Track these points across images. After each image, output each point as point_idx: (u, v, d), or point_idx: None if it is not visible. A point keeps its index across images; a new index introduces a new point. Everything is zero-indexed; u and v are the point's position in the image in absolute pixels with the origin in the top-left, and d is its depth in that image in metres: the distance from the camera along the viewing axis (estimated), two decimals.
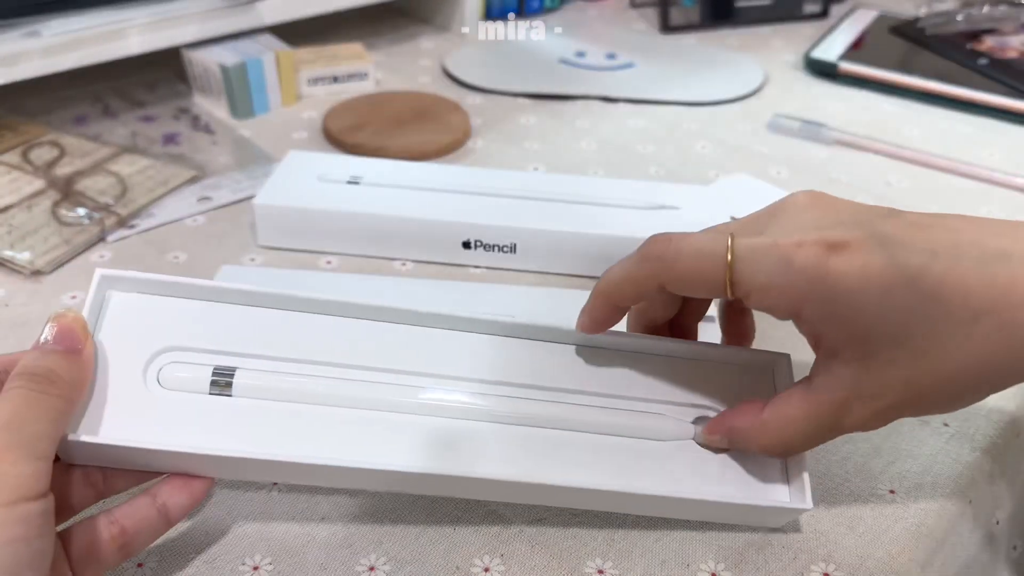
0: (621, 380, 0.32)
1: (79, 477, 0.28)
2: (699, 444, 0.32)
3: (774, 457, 0.31)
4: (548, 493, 0.30)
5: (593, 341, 0.33)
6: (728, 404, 0.32)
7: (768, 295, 0.26)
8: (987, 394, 0.27)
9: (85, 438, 0.27)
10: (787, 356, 0.33)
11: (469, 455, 0.30)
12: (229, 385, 0.29)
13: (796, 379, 0.31)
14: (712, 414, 0.32)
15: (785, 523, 0.32)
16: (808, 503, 0.30)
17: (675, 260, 0.28)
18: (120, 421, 0.28)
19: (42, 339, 0.27)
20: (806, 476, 0.30)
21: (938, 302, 0.24)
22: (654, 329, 0.33)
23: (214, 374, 0.30)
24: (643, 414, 0.32)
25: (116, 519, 0.27)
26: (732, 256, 0.26)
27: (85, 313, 0.29)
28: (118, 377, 0.29)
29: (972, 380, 0.26)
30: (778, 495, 0.31)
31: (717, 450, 0.31)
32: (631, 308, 0.32)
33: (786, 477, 0.31)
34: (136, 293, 0.31)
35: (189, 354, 0.30)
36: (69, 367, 0.26)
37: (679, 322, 0.34)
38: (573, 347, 0.33)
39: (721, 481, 0.31)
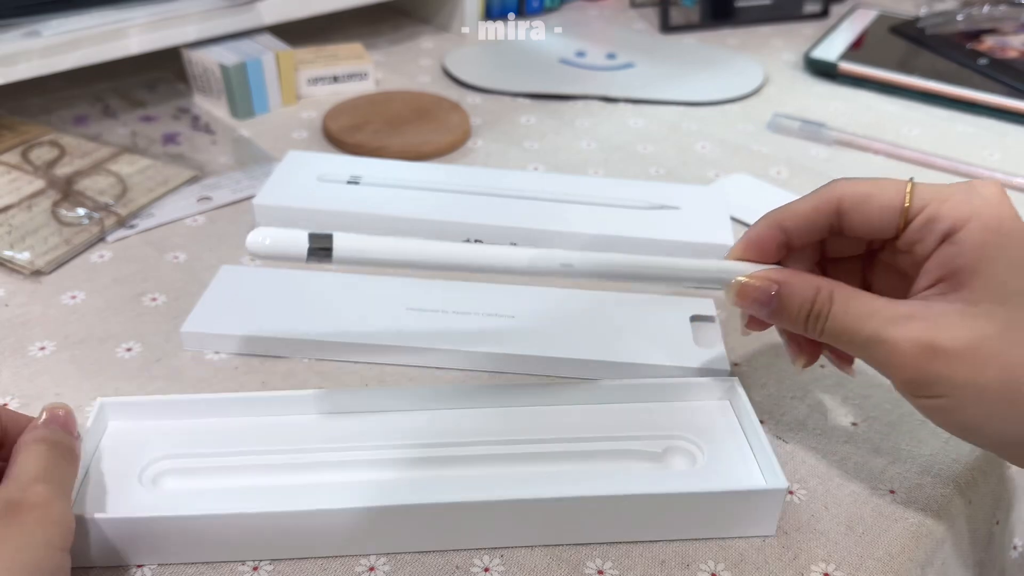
0: (590, 424, 0.35)
1: None
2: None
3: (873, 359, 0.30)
4: (527, 509, 0.30)
5: (553, 391, 0.36)
6: (695, 431, 0.34)
7: (944, 204, 0.29)
8: None
9: (97, 515, 0.29)
10: (735, 379, 0.36)
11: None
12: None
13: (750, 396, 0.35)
14: (683, 443, 0.34)
15: (773, 523, 0.32)
16: (782, 482, 0.30)
17: (855, 184, 0.31)
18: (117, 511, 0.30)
19: (40, 420, 0.30)
20: (773, 456, 0.31)
21: None
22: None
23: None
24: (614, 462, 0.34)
25: None
26: (912, 181, 0.30)
27: (88, 427, 0.32)
28: (115, 482, 0.31)
29: None
30: (753, 482, 0.32)
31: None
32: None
33: (760, 472, 0.33)
34: (131, 420, 0.34)
35: (182, 460, 0.33)
36: (71, 440, 0.30)
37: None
38: (541, 408, 0.35)
39: (698, 480, 0.32)
